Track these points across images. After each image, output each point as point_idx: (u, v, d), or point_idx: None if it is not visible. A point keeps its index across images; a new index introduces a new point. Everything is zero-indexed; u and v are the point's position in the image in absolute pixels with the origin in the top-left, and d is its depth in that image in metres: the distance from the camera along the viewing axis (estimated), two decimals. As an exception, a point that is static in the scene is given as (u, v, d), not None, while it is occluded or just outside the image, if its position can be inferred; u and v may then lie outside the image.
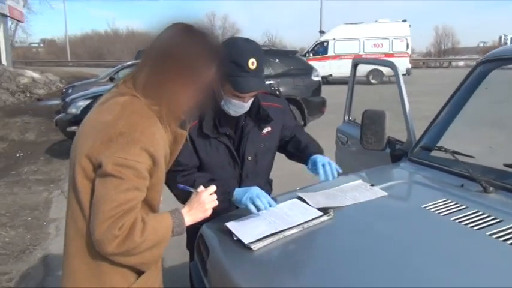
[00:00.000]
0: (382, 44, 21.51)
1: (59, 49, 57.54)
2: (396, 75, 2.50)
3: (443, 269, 1.15)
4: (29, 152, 7.83)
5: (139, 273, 1.26)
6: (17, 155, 7.62)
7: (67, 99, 7.84)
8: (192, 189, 1.42)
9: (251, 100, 1.70)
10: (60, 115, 7.43)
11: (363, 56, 19.15)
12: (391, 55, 20.84)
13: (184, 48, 1.17)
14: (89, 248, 1.19)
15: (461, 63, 32.94)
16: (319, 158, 1.78)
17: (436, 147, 1.95)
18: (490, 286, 1.06)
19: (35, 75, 18.35)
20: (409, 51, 21.86)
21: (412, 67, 22.53)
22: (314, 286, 1.20)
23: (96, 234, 1.10)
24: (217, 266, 1.47)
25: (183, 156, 1.61)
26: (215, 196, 1.41)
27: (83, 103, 6.99)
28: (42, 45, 60.26)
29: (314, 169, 1.77)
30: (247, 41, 1.65)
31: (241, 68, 1.56)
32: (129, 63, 12.81)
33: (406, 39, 21.52)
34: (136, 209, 1.14)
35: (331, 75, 20.94)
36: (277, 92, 1.94)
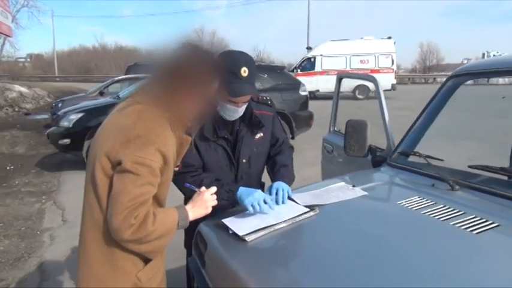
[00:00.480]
0: (368, 60, 22.02)
1: (46, 64, 57.33)
2: (377, 89, 2.72)
3: (412, 252, 1.34)
4: (19, 165, 7.88)
5: (147, 261, 1.44)
6: (8, 167, 7.66)
7: (59, 113, 7.92)
8: (196, 189, 1.62)
9: (244, 106, 1.89)
10: (52, 128, 7.50)
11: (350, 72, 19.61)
12: (377, 71, 21.33)
13: (192, 66, 1.37)
14: (104, 237, 1.35)
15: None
16: (276, 184, 1.92)
17: (411, 153, 2.16)
18: (453, 266, 1.24)
19: (23, 89, 18.36)
20: (394, 67, 22.39)
21: (397, 83, 23.04)
22: (301, 271, 1.37)
23: (114, 223, 1.25)
24: (215, 256, 1.63)
25: (190, 159, 1.82)
26: (215, 196, 1.60)
27: (75, 116, 7.09)
28: (28, 60, 59.97)
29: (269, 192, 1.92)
30: (241, 53, 1.86)
31: (235, 75, 1.76)
32: (119, 78, 12.92)
33: (391, 55, 22.07)
34: (149, 202, 1.31)
35: (318, 90, 21.32)
36: (269, 102, 2.12)
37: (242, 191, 1.82)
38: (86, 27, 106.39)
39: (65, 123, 7.09)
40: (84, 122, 7.03)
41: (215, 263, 1.64)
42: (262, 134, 2.04)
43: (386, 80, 20.92)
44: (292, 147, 2.22)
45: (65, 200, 5.67)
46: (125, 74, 14.68)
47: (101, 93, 11.56)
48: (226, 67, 1.74)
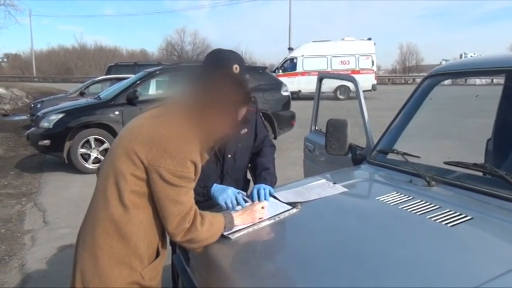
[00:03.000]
0: (348, 61, 22.32)
1: (23, 64, 56.27)
2: (356, 89, 2.79)
3: (389, 244, 1.40)
4: (-3, 166, 7.75)
5: (151, 260, 1.50)
6: (-14, 169, 7.53)
7: (39, 114, 7.81)
8: (249, 200, 1.85)
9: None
10: (32, 129, 7.40)
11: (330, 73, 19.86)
12: (357, 72, 21.64)
13: (227, 95, 1.49)
14: (115, 232, 1.40)
15: (424, 80, 34.25)
16: (258, 185, 1.99)
17: (389, 150, 2.23)
18: (428, 257, 1.30)
19: (1, 90, 18.02)
20: (374, 68, 22.75)
21: (378, 83, 23.40)
22: (284, 265, 1.43)
23: (169, 229, 1.43)
24: (199, 253, 1.66)
25: None
26: (266, 210, 1.73)
27: (55, 117, 7.00)
28: (5, 60, 58.73)
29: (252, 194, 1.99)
30: (231, 51, 1.91)
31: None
32: (100, 78, 12.81)
33: (371, 56, 22.42)
34: (194, 204, 1.47)
35: (300, 91, 21.49)
36: (252, 99, 2.17)
37: (216, 188, 1.88)
38: (65, 26, 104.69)
39: (45, 124, 7.00)
40: (65, 122, 6.96)
41: (199, 260, 1.67)
42: (246, 130, 2.09)
43: (366, 81, 21.23)
44: (274, 146, 2.26)
45: (45, 202, 5.61)
46: (106, 74, 14.57)
47: (82, 94, 11.45)
48: (218, 65, 1.80)
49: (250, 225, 1.67)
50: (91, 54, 58.86)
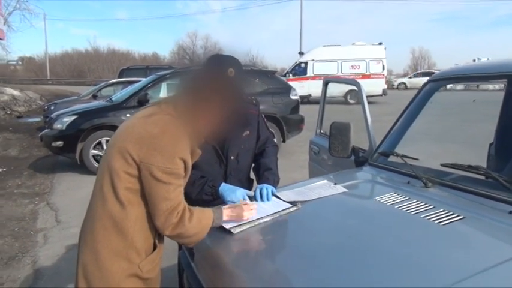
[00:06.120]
0: (359, 65, 22.26)
1: (38, 67, 57.10)
2: (359, 92, 2.86)
3: (383, 241, 1.47)
4: (12, 167, 7.93)
5: (148, 253, 1.57)
6: (0, 169, 7.71)
7: (52, 116, 7.99)
8: (237, 201, 1.88)
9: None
10: (45, 131, 7.57)
11: (341, 77, 19.86)
12: (368, 76, 21.62)
13: (219, 93, 1.56)
14: (113, 227, 1.48)
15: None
16: (260, 185, 2.06)
17: (389, 153, 2.29)
18: (417, 252, 1.37)
19: (15, 92, 18.36)
20: (385, 72, 22.68)
21: (388, 88, 23.33)
22: (283, 260, 1.51)
23: (158, 224, 1.49)
24: (203, 248, 1.74)
25: None
26: (255, 211, 1.79)
27: (68, 119, 7.16)
28: (20, 63, 59.68)
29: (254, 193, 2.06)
30: (229, 56, 1.97)
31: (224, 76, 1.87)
32: (112, 81, 13.00)
33: (382, 61, 22.35)
34: (183, 200, 1.52)
35: (310, 95, 21.51)
36: (254, 101, 2.25)
37: (225, 187, 1.95)
38: (79, 30, 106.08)
39: (58, 125, 7.16)
40: (78, 124, 7.11)
41: (203, 255, 1.75)
42: (248, 132, 2.16)
43: (377, 85, 21.20)
44: (276, 146, 2.34)
45: (58, 201, 5.75)
46: (118, 77, 14.78)
47: (94, 97, 11.63)
48: (212, 67, 1.87)
49: (251, 221, 1.75)
50: (104, 57, 59.59)
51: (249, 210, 1.77)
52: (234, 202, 1.89)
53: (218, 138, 2.05)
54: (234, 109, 1.64)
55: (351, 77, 21.36)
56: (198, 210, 1.59)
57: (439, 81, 2.46)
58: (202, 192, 1.90)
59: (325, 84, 3.49)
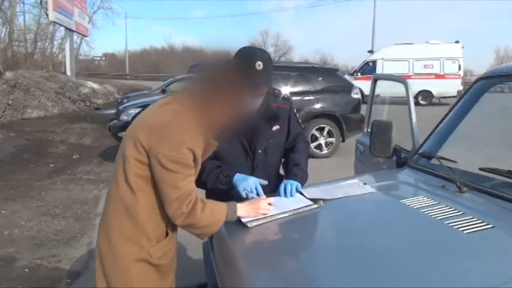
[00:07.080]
0: (432, 65, 21.07)
1: (119, 63, 60.75)
2: (406, 91, 2.71)
3: (397, 244, 1.39)
4: (84, 154, 8.54)
5: (160, 239, 1.60)
6: (74, 156, 8.34)
7: (120, 108, 8.48)
8: (255, 196, 1.86)
9: (260, 99, 1.97)
10: (113, 121, 8.07)
11: (412, 77, 19.00)
12: (442, 76, 20.48)
13: (233, 84, 1.56)
14: (125, 211, 1.54)
15: (522, 87, 31.33)
16: (286, 181, 2.03)
17: (428, 155, 2.15)
18: (430, 259, 1.27)
19: (95, 86, 19.64)
20: (461, 73, 21.28)
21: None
22: (297, 253, 1.48)
23: (169, 213, 1.52)
24: (220, 240, 1.76)
25: None
26: (272, 207, 1.78)
27: (133, 111, 7.56)
28: (103, 58, 63.86)
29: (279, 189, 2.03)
30: (259, 49, 1.96)
31: (251, 68, 1.85)
32: (180, 77, 13.48)
33: (458, 60, 20.99)
34: (194, 190, 1.54)
35: (378, 95, 20.77)
36: (286, 96, 2.22)
37: (238, 177, 1.94)
38: (158, 27, 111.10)
39: (125, 117, 7.60)
40: (142, 116, 7.46)
41: (219, 245, 1.77)
42: (278, 127, 2.13)
43: (452, 86, 20.00)
44: (307, 142, 2.28)
45: (119, 189, 6.07)
46: (188, 73, 15.30)
47: (163, 91, 12.15)
48: (242, 61, 1.87)
49: (268, 216, 1.73)
50: (178, 54, 61.98)
51: (266, 205, 1.75)
52: (246, 190, 1.88)
53: (246, 131, 2.05)
54: (253, 99, 1.63)
55: (423, 77, 20.36)
56: (211, 202, 1.60)
57: (491, 79, 2.26)
58: (218, 182, 1.92)
59: (374, 81, 3.36)
